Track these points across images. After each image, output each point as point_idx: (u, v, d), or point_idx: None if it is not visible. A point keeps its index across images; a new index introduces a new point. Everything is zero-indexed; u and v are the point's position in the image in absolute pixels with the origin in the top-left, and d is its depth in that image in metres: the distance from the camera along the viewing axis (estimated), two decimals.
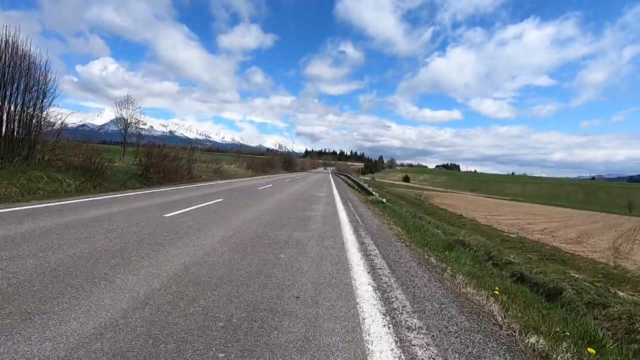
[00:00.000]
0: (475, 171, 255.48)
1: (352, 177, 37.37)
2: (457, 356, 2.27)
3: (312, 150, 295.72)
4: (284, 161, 73.13)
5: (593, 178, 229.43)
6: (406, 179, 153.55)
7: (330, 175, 54.50)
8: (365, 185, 20.67)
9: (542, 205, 65.42)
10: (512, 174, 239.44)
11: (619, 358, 2.52)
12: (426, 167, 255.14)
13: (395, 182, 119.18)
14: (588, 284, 6.35)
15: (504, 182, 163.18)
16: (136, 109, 24.08)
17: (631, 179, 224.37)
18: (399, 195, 39.13)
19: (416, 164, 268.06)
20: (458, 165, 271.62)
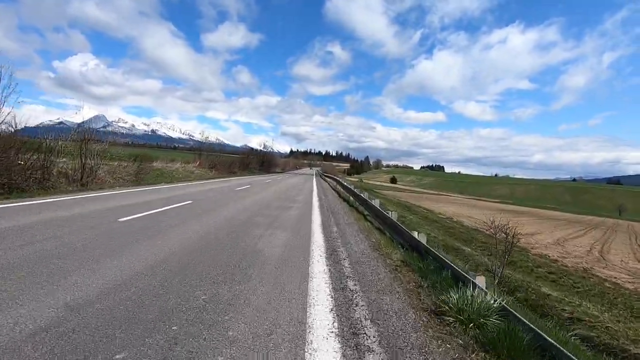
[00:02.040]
0: (459, 172, 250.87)
1: (344, 182, 25.65)
2: None
3: (297, 150, 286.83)
4: (262, 161, 62.83)
5: (574, 180, 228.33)
6: (393, 180, 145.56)
7: (314, 179, 44.46)
8: (394, 217, 7.62)
9: (543, 210, 57.37)
10: (496, 175, 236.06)
11: None
12: (412, 168, 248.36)
13: (384, 184, 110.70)
14: None
15: (490, 184, 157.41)
16: None
17: (609, 181, 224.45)
18: (405, 205, 29.67)
19: (402, 165, 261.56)
20: (443, 167, 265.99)
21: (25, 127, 12.90)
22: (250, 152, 55.26)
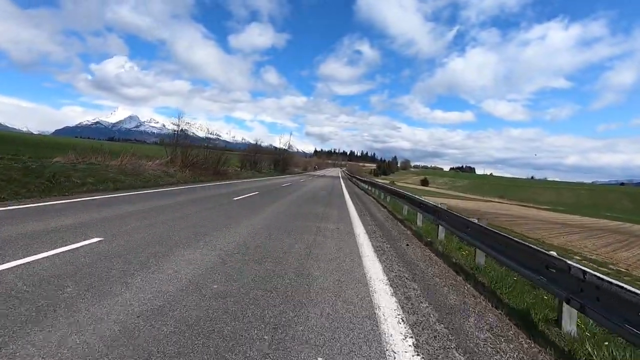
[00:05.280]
0: (491, 174, 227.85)
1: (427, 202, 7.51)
2: None
3: (321, 150, 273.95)
4: (276, 160, 49.09)
5: (622, 184, 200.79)
6: (424, 183, 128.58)
7: (342, 182, 29.73)
8: None
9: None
10: (532, 177, 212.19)
11: None
12: (441, 169, 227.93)
13: (417, 188, 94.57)
14: None
15: (529, 187, 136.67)
16: None
17: None
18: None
19: (431, 165, 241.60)
20: (473, 168, 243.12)
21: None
22: (257, 148, 41.45)
